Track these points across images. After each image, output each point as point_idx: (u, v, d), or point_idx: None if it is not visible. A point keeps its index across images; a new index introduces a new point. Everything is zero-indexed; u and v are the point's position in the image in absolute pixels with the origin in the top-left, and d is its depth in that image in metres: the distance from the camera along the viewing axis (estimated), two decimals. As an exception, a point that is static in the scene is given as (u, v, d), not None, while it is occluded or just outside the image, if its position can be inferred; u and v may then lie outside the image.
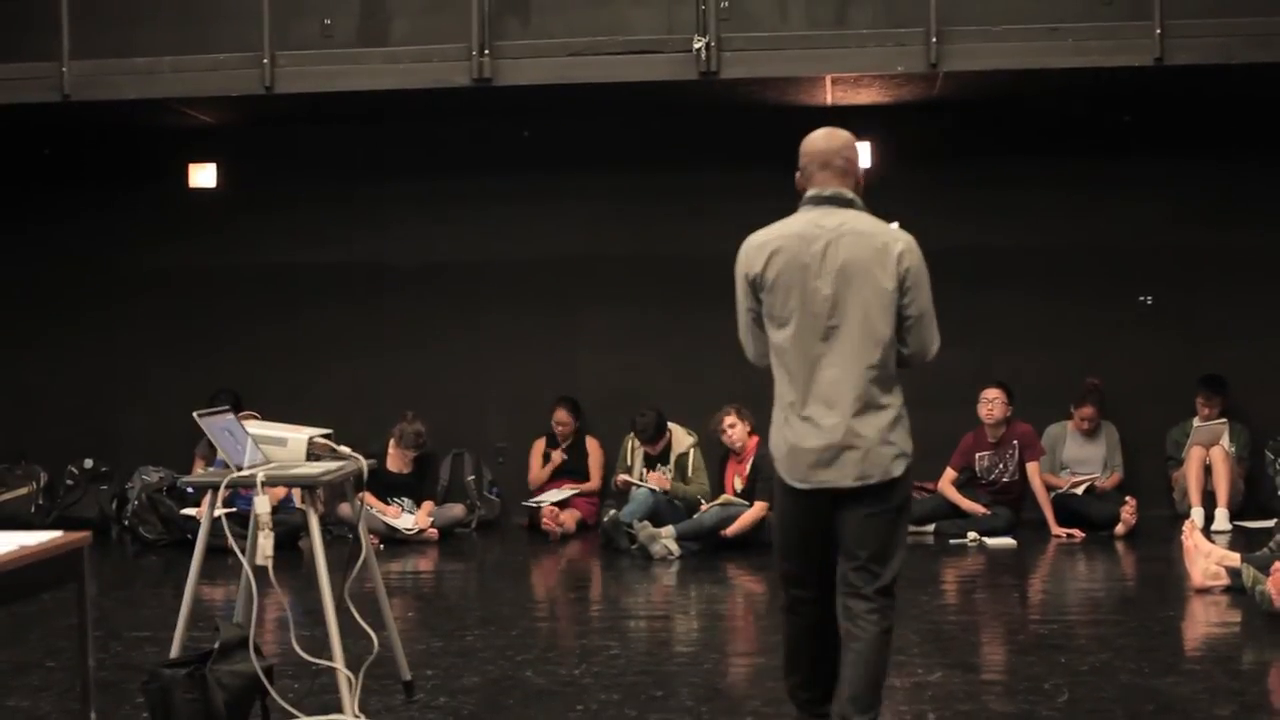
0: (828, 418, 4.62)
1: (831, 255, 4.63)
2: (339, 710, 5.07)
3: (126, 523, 10.22)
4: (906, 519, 4.78)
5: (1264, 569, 7.05)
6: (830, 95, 9.89)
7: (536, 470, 10.53)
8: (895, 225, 4.80)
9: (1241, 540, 8.99)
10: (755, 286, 4.74)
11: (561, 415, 10.48)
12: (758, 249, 4.74)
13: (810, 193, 4.77)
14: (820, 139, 4.82)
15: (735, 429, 9.53)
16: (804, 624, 4.79)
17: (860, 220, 4.70)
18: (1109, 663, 6.14)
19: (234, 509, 8.44)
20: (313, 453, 5.34)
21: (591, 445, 10.56)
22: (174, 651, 5.21)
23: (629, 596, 8.33)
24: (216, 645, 5.03)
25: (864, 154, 10.39)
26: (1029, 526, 9.69)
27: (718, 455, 9.81)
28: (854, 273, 4.62)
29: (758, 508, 9.31)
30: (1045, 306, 10.55)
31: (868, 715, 4.59)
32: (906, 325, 4.66)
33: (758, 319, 4.80)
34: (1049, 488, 9.81)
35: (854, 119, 10.32)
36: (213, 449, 5.51)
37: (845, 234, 4.65)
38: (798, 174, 4.86)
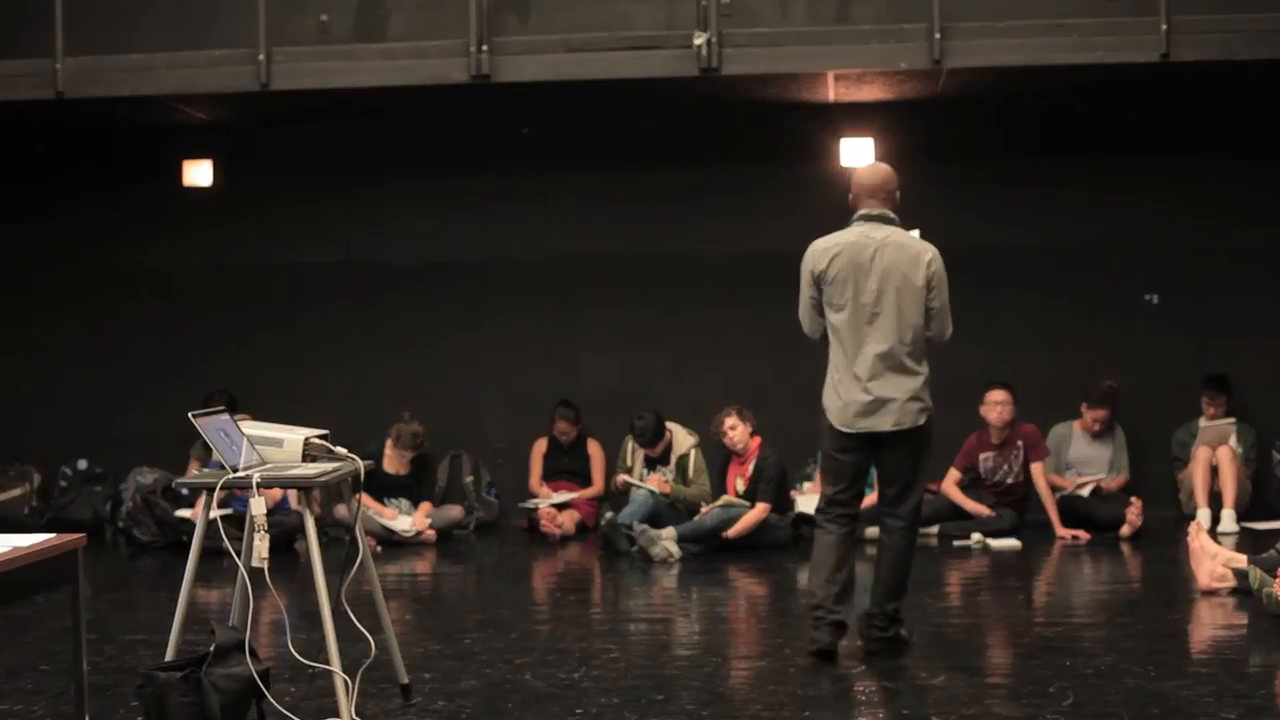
0: (872, 380, 6.13)
1: (878, 260, 6.14)
2: (336, 714, 5.02)
3: (121, 524, 10.16)
4: (927, 458, 6.35)
5: (1271, 571, 7.00)
6: (833, 92, 9.84)
7: (537, 474, 10.47)
8: (916, 231, 6.30)
9: (1248, 542, 8.98)
10: (819, 280, 6.22)
11: (563, 426, 10.43)
12: (823, 252, 6.23)
13: (861, 211, 6.27)
14: (868, 174, 6.39)
15: (736, 430, 9.47)
16: (832, 537, 6.28)
17: (900, 235, 6.22)
18: (1114, 666, 6.09)
19: (229, 510, 8.43)
20: (309, 453, 5.28)
21: (593, 448, 10.50)
22: (169, 654, 5.15)
23: (629, 599, 8.28)
24: (212, 648, 4.98)
25: (867, 151, 10.37)
26: (1033, 528, 9.65)
27: (719, 456, 9.75)
28: (894, 274, 6.13)
29: (759, 509, 9.25)
30: (1050, 305, 10.52)
31: (895, 602, 6.30)
32: (931, 313, 6.19)
33: (817, 305, 6.28)
34: (1054, 489, 9.76)
35: (856, 115, 10.32)
36: (207, 450, 5.45)
37: (889, 244, 6.16)
38: (850, 196, 6.35)
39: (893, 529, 6.34)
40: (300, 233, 11.02)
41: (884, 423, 6.13)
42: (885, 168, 6.42)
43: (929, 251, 6.18)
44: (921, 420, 6.18)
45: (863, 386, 6.13)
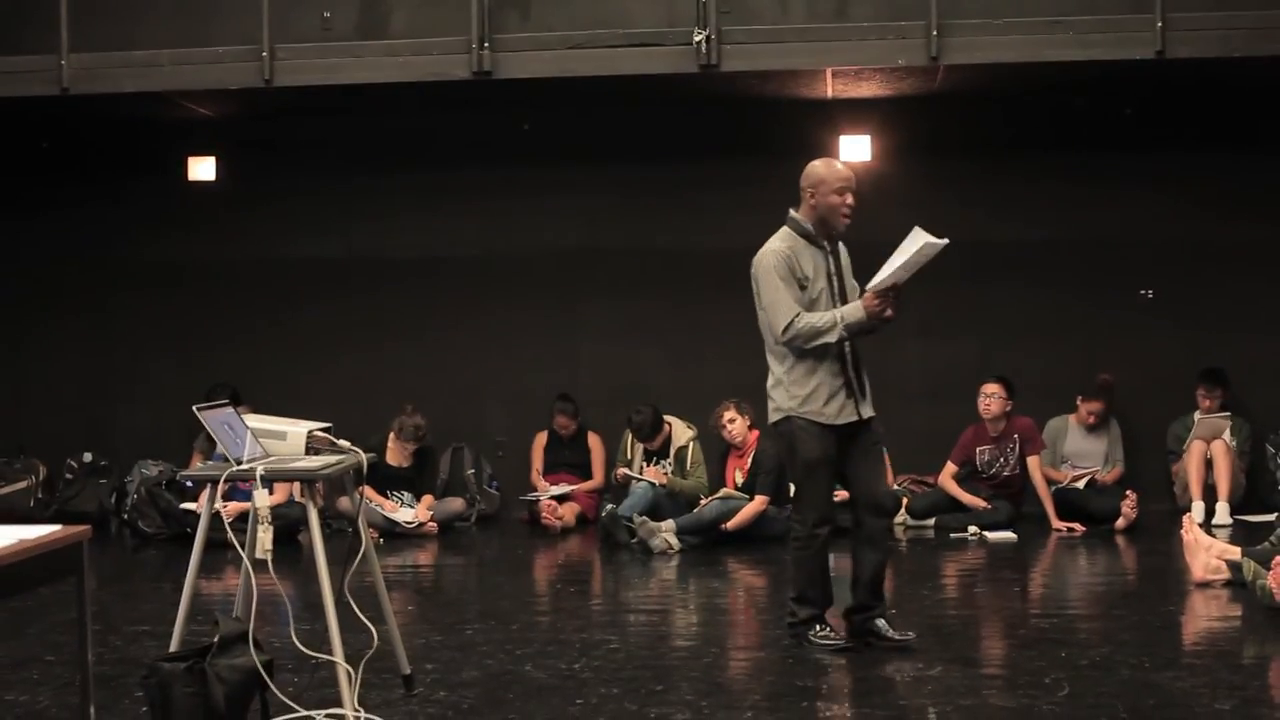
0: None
1: None
2: (338, 704, 5.04)
3: (126, 516, 10.21)
4: (793, 464, 6.22)
5: (1264, 563, 7.02)
6: (831, 88, 9.87)
7: (537, 467, 10.51)
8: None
9: (1242, 534, 8.98)
10: None
11: (562, 420, 10.46)
12: None
13: None
14: None
15: (735, 424, 9.51)
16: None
17: (773, 236, 6.25)
18: (1110, 657, 6.12)
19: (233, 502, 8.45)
20: (312, 446, 5.30)
21: (593, 441, 10.53)
22: (173, 645, 5.17)
23: (629, 590, 8.31)
24: (216, 639, 5.00)
25: (864, 147, 10.41)
26: (1029, 520, 9.67)
27: (719, 449, 9.80)
28: None
29: (758, 501, 9.30)
30: (1046, 300, 10.53)
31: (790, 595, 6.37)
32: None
33: None
34: (1050, 481, 9.80)
35: (854, 112, 10.35)
36: (211, 443, 5.50)
37: None
38: None
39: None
40: (303, 227, 11.05)
41: None
42: (809, 166, 6.32)
43: (759, 254, 6.18)
44: (774, 419, 6.22)
45: None
